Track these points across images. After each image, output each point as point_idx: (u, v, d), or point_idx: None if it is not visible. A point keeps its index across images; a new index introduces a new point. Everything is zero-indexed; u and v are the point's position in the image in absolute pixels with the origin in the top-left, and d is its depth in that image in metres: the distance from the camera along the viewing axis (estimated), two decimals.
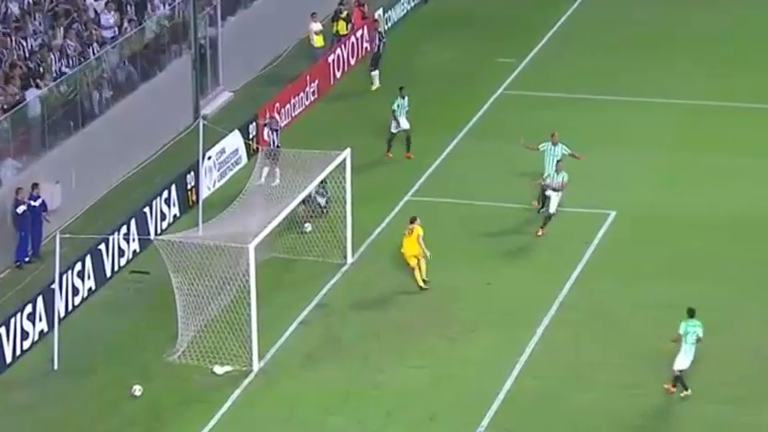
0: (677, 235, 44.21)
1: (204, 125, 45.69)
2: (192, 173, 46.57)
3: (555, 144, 45.12)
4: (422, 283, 41.40)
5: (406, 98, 49.21)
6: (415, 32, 59.02)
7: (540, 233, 44.35)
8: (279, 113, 51.51)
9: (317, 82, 54.87)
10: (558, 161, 44.46)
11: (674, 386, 36.46)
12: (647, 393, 36.89)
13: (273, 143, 48.03)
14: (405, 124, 49.21)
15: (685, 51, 58.60)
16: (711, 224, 44.96)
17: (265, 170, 46.48)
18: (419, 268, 41.28)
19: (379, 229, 44.97)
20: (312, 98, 54.53)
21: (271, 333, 39.42)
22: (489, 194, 47.23)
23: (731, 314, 40.16)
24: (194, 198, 46.18)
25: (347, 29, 57.84)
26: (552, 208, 44.24)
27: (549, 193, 44.37)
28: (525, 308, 40.95)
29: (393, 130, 49.26)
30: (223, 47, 55.12)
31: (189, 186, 46.55)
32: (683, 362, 36.14)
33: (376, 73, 55.38)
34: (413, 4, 63.32)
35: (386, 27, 60.02)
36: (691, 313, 36.13)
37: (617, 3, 63.67)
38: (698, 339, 35.95)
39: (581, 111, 53.25)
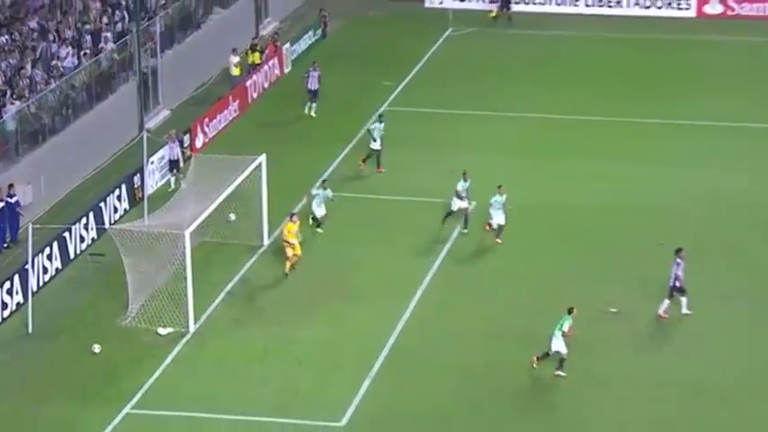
0: (530, 221, 44.41)
1: (147, 137, 45.78)
2: (138, 175, 46.47)
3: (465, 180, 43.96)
4: (287, 270, 41.15)
5: (383, 123, 48.80)
6: (317, 61, 58.80)
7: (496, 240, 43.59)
8: (207, 127, 51.50)
9: (237, 102, 54.74)
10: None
11: (539, 360, 35.84)
12: (507, 354, 37.03)
13: (177, 155, 47.94)
14: (376, 145, 48.51)
15: (526, 75, 58.90)
16: (547, 211, 45.32)
17: (172, 179, 47.21)
18: (291, 258, 41.11)
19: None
20: (234, 115, 54.36)
21: (203, 302, 39.43)
22: (378, 189, 47.38)
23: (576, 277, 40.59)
24: (140, 195, 46.09)
25: (261, 59, 57.77)
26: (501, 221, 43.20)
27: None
28: (407, 279, 41.10)
29: (373, 148, 48.61)
30: (162, 74, 55.08)
31: (136, 185, 46.45)
32: (555, 345, 35.50)
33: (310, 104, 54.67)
34: (314, 39, 63.22)
35: (292, 58, 60.02)
36: (569, 311, 35.61)
37: (472, 40, 63.78)
38: (562, 332, 35.35)
39: (446, 123, 53.54)
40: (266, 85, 57.53)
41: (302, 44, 61.90)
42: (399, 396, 35.26)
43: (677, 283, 38.13)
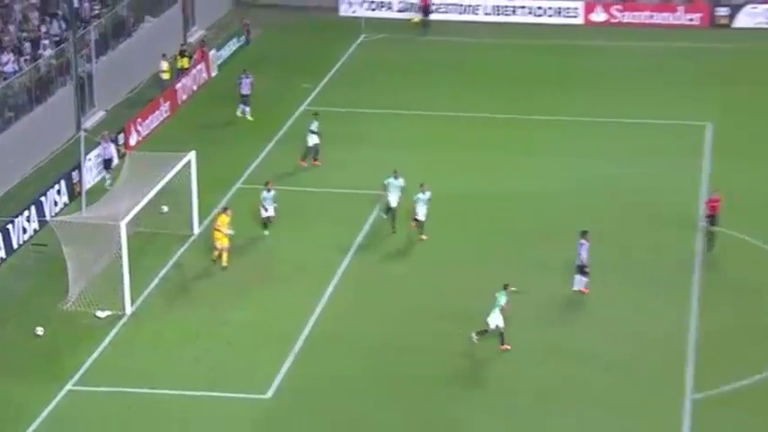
0: (439, 210, 44.23)
1: (84, 136, 45.17)
2: (77, 171, 45.80)
3: (396, 178, 43.14)
4: (224, 263, 40.51)
5: (318, 121, 48.51)
6: (240, 66, 58.53)
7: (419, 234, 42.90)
8: (140, 126, 50.98)
9: (168, 103, 54.23)
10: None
11: (479, 335, 35.63)
12: (423, 331, 37.11)
13: (111, 154, 47.36)
14: (314, 140, 48.21)
15: (433, 77, 58.88)
16: (458, 199, 45.44)
17: (107, 176, 46.58)
18: (223, 251, 40.54)
19: (217, 208, 44.44)
20: (165, 115, 53.86)
21: (139, 286, 39.12)
22: (298, 182, 47.19)
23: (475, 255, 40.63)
24: (79, 189, 45.39)
25: (189, 64, 57.38)
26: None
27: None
28: (328, 264, 40.98)
29: (312, 143, 48.33)
30: (97, 78, 54.46)
31: (74, 181, 45.79)
32: (497, 321, 35.45)
33: (243, 108, 53.89)
34: (238, 46, 62.81)
35: (218, 63, 59.61)
36: (504, 287, 35.65)
37: (383, 46, 63.70)
38: (500, 307, 35.48)
39: (361, 121, 53.46)
40: (195, 87, 57.14)
41: (227, 50, 61.55)
42: (320, 370, 35.24)
43: (582, 263, 38.29)
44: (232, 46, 62.23)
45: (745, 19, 65.02)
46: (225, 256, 40.40)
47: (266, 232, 42.61)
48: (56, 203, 44.62)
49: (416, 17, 65.94)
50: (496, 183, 46.95)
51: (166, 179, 41.39)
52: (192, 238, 42.79)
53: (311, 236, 42.83)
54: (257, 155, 49.87)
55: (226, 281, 40.02)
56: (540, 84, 57.55)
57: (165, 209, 43.25)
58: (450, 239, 42.47)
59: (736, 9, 65.15)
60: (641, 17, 66.08)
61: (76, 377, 34.85)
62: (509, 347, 35.51)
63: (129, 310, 37.97)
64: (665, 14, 65.86)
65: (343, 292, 39.31)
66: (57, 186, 44.82)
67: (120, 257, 37.72)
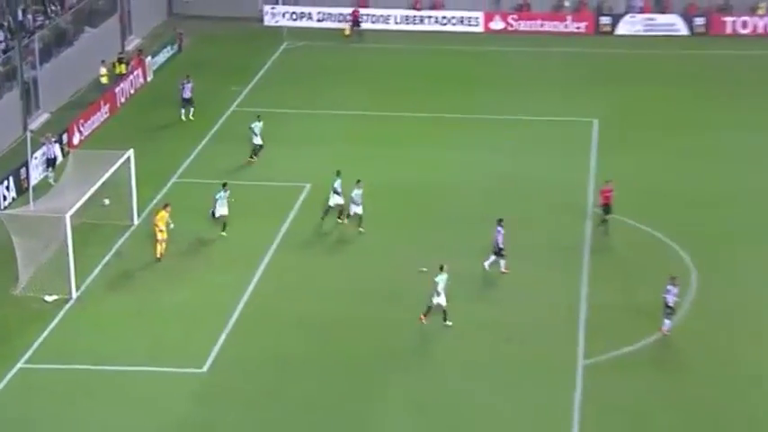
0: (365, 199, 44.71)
1: (30, 136, 44.70)
2: (24, 168, 45.28)
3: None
4: (159, 255, 40.14)
5: (261, 122, 48.29)
6: (174, 72, 58.31)
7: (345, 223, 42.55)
8: (83, 127, 50.54)
9: (108, 105, 53.80)
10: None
11: (425, 315, 35.75)
12: (350, 309, 37.30)
13: (54, 153, 46.83)
14: (258, 140, 47.97)
15: (351, 79, 58.99)
16: (379, 191, 45.59)
17: (51, 174, 46.03)
18: (163, 243, 40.25)
19: (155, 201, 44.49)
20: (105, 116, 53.42)
21: (84, 272, 38.91)
22: (229, 176, 47.00)
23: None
24: (26, 185, 44.84)
25: (127, 70, 56.98)
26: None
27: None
28: (255, 250, 41.00)
29: (255, 143, 48.02)
30: (41, 83, 53.88)
31: (22, 177, 45.26)
32: (439, 300, 35.45)
33: (186, 110, 53.22)
34: (171, 53, 62.44)
35: (154, 68, 59.23)
36: (441, 268, 35.69)
37: (304, 52, 63.60)
38: (442, 287, 35.34)
39: (285, 120, 53.37)
40: (132, 91, 56.72)
41: (161, 57, 61.15)
42: (251, 346, 35.29)
43: (499, 246, 38.62)
44: (166, 53, 61.83)
45: (625, 27, 65.97)
46: (164, 246, 40.20)
47: (224, 234, 41.44)
48: (5, 198, 44.13)
49: (348, 28, 66.00)
50: (412, 175, 47.04)
51: (107, 175, 41.08)
52: (132, 228, 42.55)
53: (242, 225, 42.67)
54: (191, 152, 49.66)
55: (163, 266, 39.88)
56: (447, 85, 57.86)
57: (107, 202, 42.91)
58: (373, 227, 42.45)
59: (617, 18, 66.12)
60: (535, 25, 66.72)
61: (27, 356, 34.61)
62: (449, 323, 35.70)
63: (74, 294, 37.74)
64: (555, 23, 66.58)
65: (273, 275, 39.31)
66: (5, 183, 44.28)
67: (66, 246, 37.45)
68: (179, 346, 35.18)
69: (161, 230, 40.04)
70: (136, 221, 42.86)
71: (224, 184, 41.72)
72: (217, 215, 41.37)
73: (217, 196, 41.30)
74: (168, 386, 33.32)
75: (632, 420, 31.80)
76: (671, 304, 34.77)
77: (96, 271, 39.55)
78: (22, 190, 44.94)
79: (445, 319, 35.73)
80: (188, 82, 53.26)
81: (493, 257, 38.89)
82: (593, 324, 36.11)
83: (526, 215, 43.08)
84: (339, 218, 42.32)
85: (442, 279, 35.42)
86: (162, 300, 37.76)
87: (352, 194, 41.75)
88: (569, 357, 34.44)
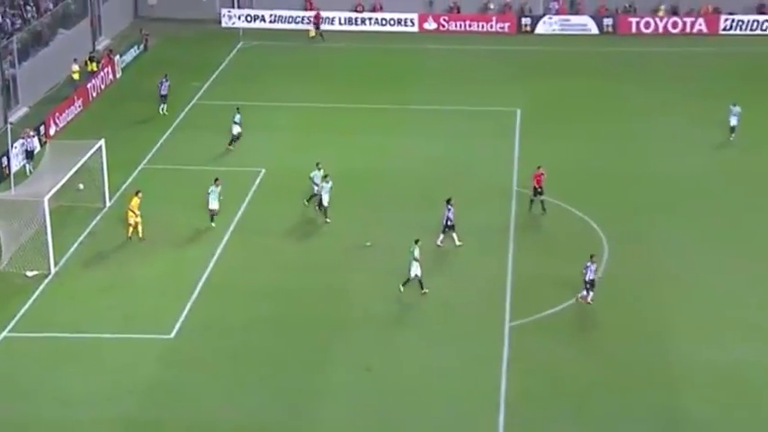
0: (304, 183, 44.30)
1: (11, 128, 43.92)
2: (5, 157, 44.48)
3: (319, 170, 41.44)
4: (131, 235, 39.45)
5: (240, 114, 47.71)
6: (141, 69, 57.61)
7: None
8: (58, 119, 49.72)
9: (81, 100, 53.00)
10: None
11: (404, 285, 35.39)
12: (308, 281, 37.04)
13: (33, 146, 45.85)
14: (237, 129, 47.36)
15: (302, 75, 58.41)
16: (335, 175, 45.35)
17: (28, 165, 45.02)
18: (135, 225, 39.50)
19: (125, 185, 44.00)
20: (79, 110, 52.60)
21: (61, 250, 38.42)
22: (192, 162, 46.60)
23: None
24: (7, 172, 44.07)
25: (98, 67, 56.16)
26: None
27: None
28: (217, 228, 40.53)
29: (234, 132, 47.38)
30: (20, 80, 52.96)
31: (3, 165, 44.43)
32: (415, 271, 35.31)
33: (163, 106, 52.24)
34: (138, 52, 61.58)
35: (122, 66, 58.39)
36: (416, 241, 35.50)
37: (259, 51, 62.99)
38: (415, 258, 35.24)
39: (245, 112, 52.78)
40: (103, 87, 55.94)
41: (129, 56, 60.30)
42: (215, 314, 35.07)
43: (449, 223, 38.48)
44: (133, 52, 60.98)
45: (543, 27, 66.09)
46: (140, 228, 39.53)
47: (213, 224, 40.20)
48: None
49: (312, 30, 65.39)
50: (357, 161, 46.66)
51: (81, 162, 40.67)
52: (105, 210, 41.99)
53: (204, 205, 42.29)
54: (157, 141, 49.03)
55: (133, 245, 39.37)
56: (387, 80, 57.57)
57: (81, 186, 42.29)
58: (336, 206, 41.86)
59: (536, 19, 66.26)
60: (463, 25, 66.65)
61: (11, 326, 34.15)
62: (426, 291, 35.47)
63: (53, 269, 37.22)
64: (482, 23, 66.53)
65: (234, 251, 38.95)
66: None
67: (45, 227, 36.96)
68: (148, 315, 34.82)
69: (134, 214, 39.40)
70: (108, 204, 42.27)
71: (215, 179, 40.32)
72: (210, 208, 39.94)
73: (209, 191, 39.94)
74: (139, 351, 33.00)
75: (554, 373, 31.97)
76: (589, 279, 34.55)
77: (72, 249, 39.02)
78: (3, 177, 44.12)
79: (422, 287, 35.50)
80: (166, 80, 52.34)
81: (443, 235, 38.67)
82: (518, 291, 36.22)
83: (459, 196, 42.89)
84: (308, 201, 41.29)
85: (416, 250, 35.30)
86: (132, 274, 37.32)
87: (311, 175, 41.22)
88: (497, 320, 34.54)
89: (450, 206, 38.66)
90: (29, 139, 46.14)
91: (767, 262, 37.00)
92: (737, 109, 46.50)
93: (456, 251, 38.67)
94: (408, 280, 35.63)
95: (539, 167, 41.85)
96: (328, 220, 40.76)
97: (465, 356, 32.71)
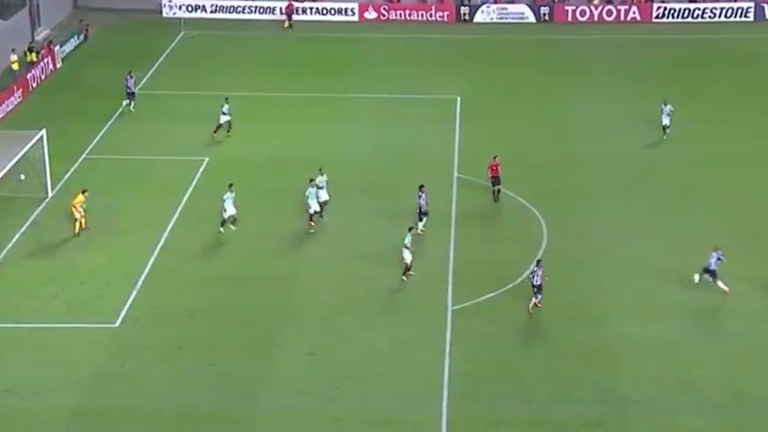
0: (248, 170, 44.19)
1: None
2: None
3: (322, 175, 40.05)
4: (77, 232, 38.74)
5: (229, 104, 47.08)
6: (81, 58, 56.97)
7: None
8: None
9: (20, 90, 52.23)
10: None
11: (404, 275, 35.53)
12: (251, 267, 36.86)
13: None
14: (226, 118, 46.89)
15: (244, 65, 58.17)
16: (267, 162, 45.19)
17: None
18: (80, 221, 38.93)
19: (67, 175, 43.56)
20: (19, 100, 51.87)
21: (3, 240, 38.22)
22: (134, 152, 46.15)
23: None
24: None
25: (37, 58, 55.37)
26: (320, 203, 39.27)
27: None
28: (160, 217, 40.27)
29: (223, 120, 46.94)
30: None
31: None
32: (407, 257, 35.40)
33: (129, 102, 50.99)
34: (78, 42, 60.82)
35: (62, 56, 57.57)
36: (410, 229, 35.55)
37: (199, 41, 62.52)
38: (406, 246, 35.21)
39: (185, 100, 52.33)
40: (42, 77, 55.18)
41: (69, 46, 59.56)
42: (159, 302, 34.85)
43: (422, 209, 38.51)
44: (73, 42, 60.25)
45: (481, 15, 66.40)
46: (83, 221, 38.95)
47: (222, 229, 38.44)
48: None
49: (287, 22, 64.90)
50: (298, 147, 46.45)
51: (22, 152, 40.14)
52: (47, 200, 41.49)
53: (147, 194, 42.03)
54: (98, 131, 48.51)
55: (81, 232, 38.85)
56: (328, 68, 57.47)
57: (23, 177, 41.71)
58: (267, 196, 41.93)
59: (474, 8, 66.51)
60: (403, 14, 66.71)
61: None
62: (411, 274, 35.55)
63: None
64: (421, 12, 66.66)
65: (178, 240, 38.70)
66: None
67: None
68: (93, 304, 34.52)
69: (78, 211, 38.94)
70: (50, 194, 41.75)
71: (230, 185, 38.67)
72: (226, 215, 38.33)
73: (224, 197, 38.33)
74: (84, 340, 32.72)
75: (496, 356, 32.24)
76: (537, 283, 34.04)
77: (14, 239, 38.53)
78: None
79: (404, 274, 35.60)
80: (131, 76, 51.14)
81: (423, 220, 38.50)
82: (460, 275, 36.39)
83: (401, 182, 43.10)
84: (316, 217, 39.09)
85: (408, 237, 35.39)
86: (76, 263, 36.94)
87: (317, 181, 39.20)
88: (440, 304, 34.73)
89: (421, 193, 38.56)
90: None
91: (701, 242, 37.60)
92: (669, 108, 46.89)
93: (397, 238, 38.70)
94: (408, 268, 35.42)
95: (495, 157, 41.65)
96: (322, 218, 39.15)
97: (408, 340, 32.86)
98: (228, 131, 47.58)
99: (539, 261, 34.56)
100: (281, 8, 66.22)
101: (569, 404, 30.14)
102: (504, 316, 34.13)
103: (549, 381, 31.10)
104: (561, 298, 35.10)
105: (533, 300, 34.23)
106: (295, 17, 66.19)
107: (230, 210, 38.52)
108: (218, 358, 31.90)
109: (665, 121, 47.07)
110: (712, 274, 34.87)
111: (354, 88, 54.44)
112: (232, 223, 38.69)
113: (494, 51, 60.90)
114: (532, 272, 34.28)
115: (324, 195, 39.49)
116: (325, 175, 39.96)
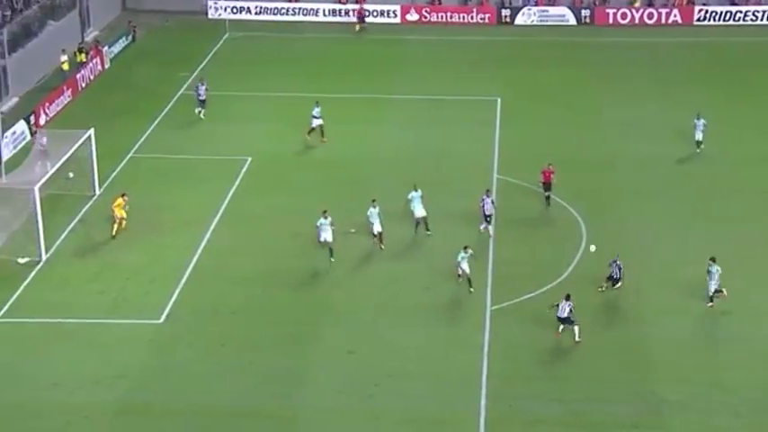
0: (290, 170, 44.36)
1: (2, 118, 43.62)
2: None
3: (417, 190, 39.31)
4: (114, 233, 38.69)
5: (320, 107, 46.79)
6: (129, 59, 57.41)
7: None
8: (48, 109, 49.49)
9: (70, 90, 52.78)
10: None
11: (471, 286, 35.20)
12: (292, 265, 37.11)
13: (42, 143, 45.29)
14: (317, 122, 46.51)
15: (288, 66, 58.26)
16: (314, 163, 45.31)
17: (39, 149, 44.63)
18: (120, 223, 39.14)
19: (114, 174, 43.93)
20: (68, 100, 52.39)
21: (52, 237, 38.41)
22: (179, 151, 46.47)
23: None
24: None
25: (86, 58, 55.90)
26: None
27: None
28: (204, 215, 40.49)
29: (312, 126, 46.60)
30: (10, 71, 52.70)
31: None
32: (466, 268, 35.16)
33: (201, 110, 50.66)
34: (126, 43, 61.34)
35: (110, 57, 58.12)
36: (465, 248, 35.43)
37: (244, 42, 62.70)
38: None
39: (230, 101, 52.51)
40: (91, 77, 55.71)
41: (117, 47, 60.05)
42: (203, 299, 35.08)
43: (486, 212, 38.35)
44: (121, 43, 60.76)
45: (522, 18, 66.14)
46: (123, 222, 39.17)
47: (333, 259, 36.89)
48: None
49: (359, 24, 65.12)
50: (344, 149, 46.49)
51: (71, 151, 40.53)
52: (94, 198, 41.89)
53: (190, 193, 42.27)
54: (145, 131, 48.88)
55: (122, 232, 39.22)
56: (371, 70, 57.36)
57: (71, 175, 42.17)
58: (310, 194, 41.94)
59: (515, 11, 66.26)
60: (445, 17, 66.60)
61: (4, 310, 34.17)
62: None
63: (44, 256, 37.16)
64: (462, 14, 66.50)
65: (220, 237, 38.90)
66: None
67: (36, 215, 36.84)
68: (138, 301, 34.79)
69: (118, 212, 39.22)
70: (98, 192, 42.17)
71: (324, 212, 37.14)
72: (321, 240, 37.00)
73: (318, 223, 36.98)
74: (129, 336, 32.99)
75: (534, 356, 32.12)
76: (563, 316, 32.66)
77: (63, 236, 38.95)
78: None
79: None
80: (202, 84, 50.75)
81: (485, 224, 38.41)
82: (499, 276, 36.26)
83: (444, 182, 43.07)
84: (426, 228, 38.77)
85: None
86: (122, 260, 37.28)
87: (367, 213, 37.84)
88: (479, 304, 34.62)
89: (486, 197, 38.45)
90: (40, 136, 45.38)
91: (739, 245, 37.09)
92: (703, 122, 46.10)
93: (439, 237, 38.68)
94: (470, 280, 35.06)
95: (549, 164, 41.08)
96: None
97: (446, 339, 32.80)
98: (323, 137, 46.88)
99: (568, 296, 32.81)
100: (323, 10, 66.39)
101: (605, 404, 29.97)
102: (543, 317, 33.95)
103: (586, 381, 30.93)
104: (600, 299, 34.87)
105: (574, 329, 32.64)
106: (338, 19, 66.29)
107: (327, 237, 36.71)
108: (258, 356, 32.07)
109: (699, 136, 46.12)
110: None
111: (396, 90, 54.32)
112: (330, 255, 37.11)
113: (534, 53, 60.61)
114: (562, 308, 32.52)
115: (420, 211, 38.42)
116: (419, 191, 38.98)
